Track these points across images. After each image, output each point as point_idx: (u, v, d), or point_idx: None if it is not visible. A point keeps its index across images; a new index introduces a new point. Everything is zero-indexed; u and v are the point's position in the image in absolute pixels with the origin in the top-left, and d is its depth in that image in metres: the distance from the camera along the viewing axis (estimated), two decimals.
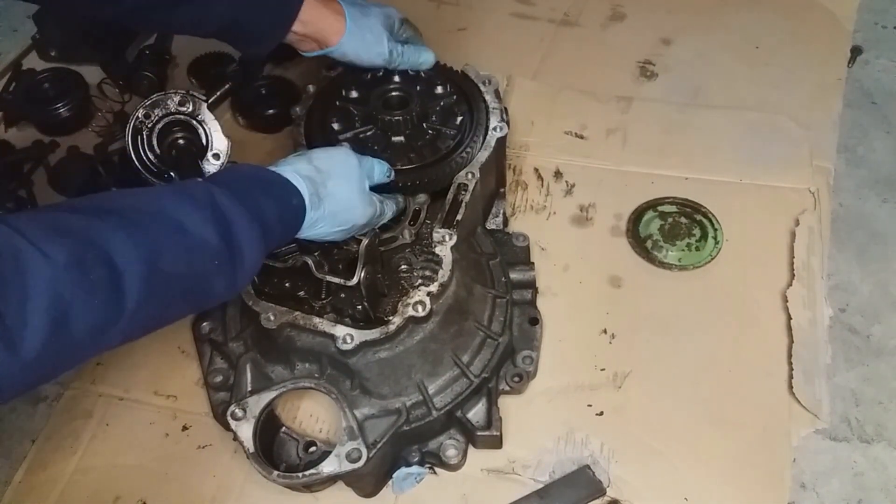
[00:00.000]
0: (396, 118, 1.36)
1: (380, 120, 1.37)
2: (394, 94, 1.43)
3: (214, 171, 1.28)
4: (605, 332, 1.43)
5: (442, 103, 1.43)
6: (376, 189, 1.25)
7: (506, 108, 1.45)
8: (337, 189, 1.14)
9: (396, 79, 1.43)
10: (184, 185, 1.02)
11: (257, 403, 1.20)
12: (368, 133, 1.39)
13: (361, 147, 1.34)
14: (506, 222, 1.55)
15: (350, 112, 1.41)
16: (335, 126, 1.39)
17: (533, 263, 1.47)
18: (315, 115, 1.44)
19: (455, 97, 1.43)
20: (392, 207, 1.29)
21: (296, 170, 1.10)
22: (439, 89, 1.43)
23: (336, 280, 1.22)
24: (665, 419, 1.33)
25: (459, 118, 1.40)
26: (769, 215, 1.57)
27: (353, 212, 1.17)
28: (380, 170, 1.26)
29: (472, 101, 1.45)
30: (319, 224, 1.13)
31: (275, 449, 1.27)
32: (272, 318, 1.19)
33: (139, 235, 0.87)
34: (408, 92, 1.42)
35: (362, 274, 1.21)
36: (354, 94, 1.43)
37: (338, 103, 1.43)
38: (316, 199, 1.10)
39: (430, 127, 1.40)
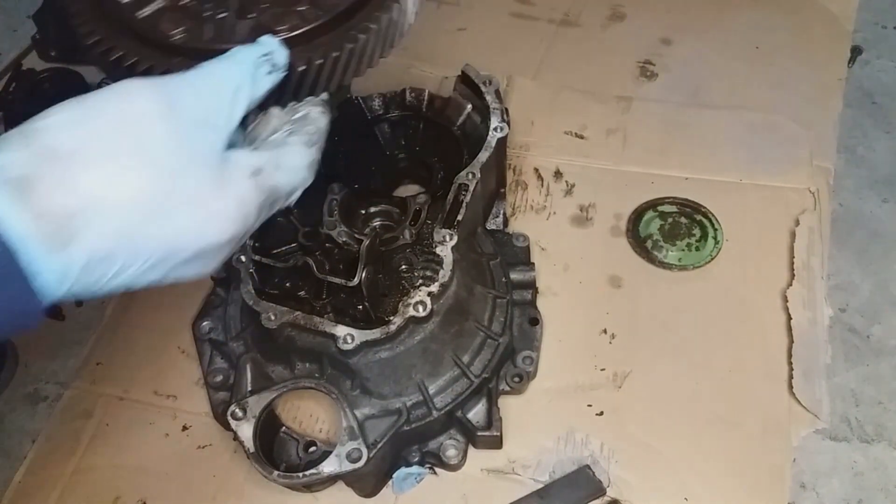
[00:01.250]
0: None
1: None
2: None
3: None
4: (605, 332, 1.43)
5: None
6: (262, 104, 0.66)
7: (506, 109, 1.45)
8: (110, 189, 0.56)
9: None
10: None
11: (257, 403, 1.20)
12: None
13: (192, 19, 0.73)
14: (506, 222, 1.55)
15: None
16: None
17: (533, 263, 1.47)
18: None
19: None
20: (300, 176, 0.68)
21: None
22: None
23: (337, 280, 1.22)
24: (665, 419, 1.33)
25: None
26: (769, 215, 1.56)
27: (173, 227, 0.58)
28: (246, 72, 0.65)
29: None
30: (101, 273, 0.56)
31: (275, 449, 1.26)
32: (273, 317, 1.18)
33: None
34: None
35: (363, 274, 1.21)
36: None
37: None
38: (50, 227, 0.53)
39: None
